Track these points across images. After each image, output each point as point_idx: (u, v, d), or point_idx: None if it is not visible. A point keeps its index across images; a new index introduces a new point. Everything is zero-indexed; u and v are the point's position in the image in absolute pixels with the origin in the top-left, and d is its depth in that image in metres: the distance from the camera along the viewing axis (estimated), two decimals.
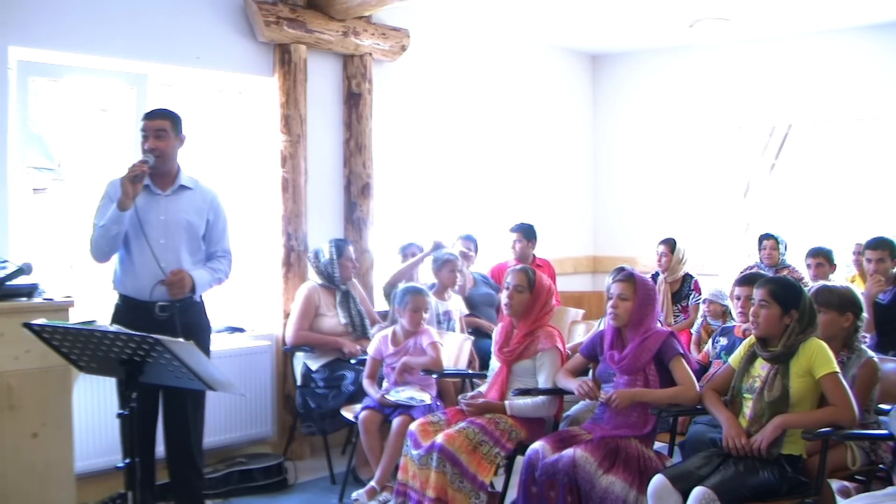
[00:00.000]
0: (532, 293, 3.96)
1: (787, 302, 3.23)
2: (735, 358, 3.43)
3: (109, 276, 3.87)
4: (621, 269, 3.72)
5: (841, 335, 3.52)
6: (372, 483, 4.23)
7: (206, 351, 3.92)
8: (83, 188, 4.73)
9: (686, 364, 3.57)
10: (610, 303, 3.66)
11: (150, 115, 3.81)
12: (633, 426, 3.51)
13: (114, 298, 3.87)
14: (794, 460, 3.15)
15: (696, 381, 3.54)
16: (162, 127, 3.75)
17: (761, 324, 3.25)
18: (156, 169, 3.71)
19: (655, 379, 3.54)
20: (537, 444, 3.49)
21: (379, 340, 4.61)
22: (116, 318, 3.76)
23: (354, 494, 4.25)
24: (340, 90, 5.65)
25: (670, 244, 6.12)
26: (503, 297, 4.03)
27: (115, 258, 3.78)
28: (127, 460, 2.89)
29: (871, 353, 3.55)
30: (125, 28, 4.61)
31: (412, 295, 4.55)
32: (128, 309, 3.75)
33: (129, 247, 3.73)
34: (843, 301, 3.53)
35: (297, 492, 4.73)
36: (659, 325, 3.76)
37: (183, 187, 3.85)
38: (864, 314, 3.61)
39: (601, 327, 4.29)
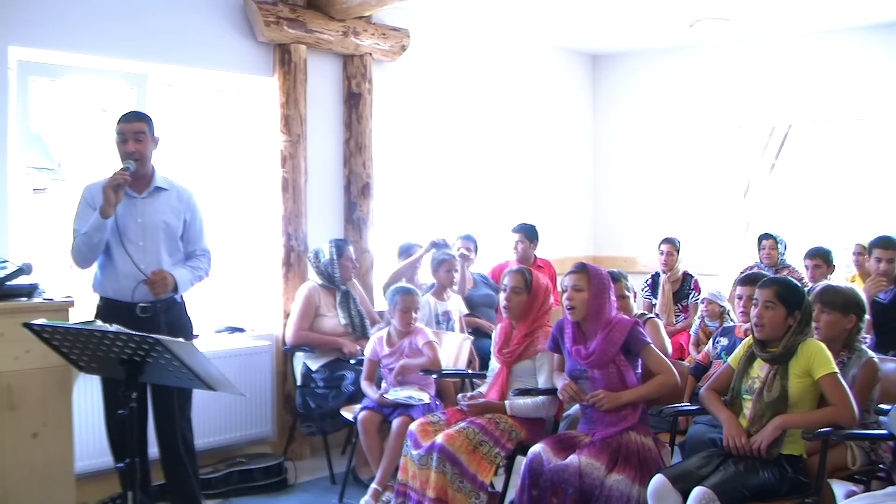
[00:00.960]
0: (529, 294, 3.95)
1: (792, 303, 3.22)
2: (734, 358, 3.43)
3: (89, 280, 3.88)
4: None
5: (842, 336, 3.52)
6: (374, 485, 4.22)
7: None
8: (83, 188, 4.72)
9: (657, 351, 3.58)
10: (565, 296, 3.65)
11: (129, 118, 3.78)
12: (624, 418, 3.50)
13: (95, 300, 3.87)
14: (794, 460, 3.15)
15: (672, 365, 3.57)
16: (141, 129, 3.74)
17: (766, 325, 3.24)
18: (134, 172, 3.70)
19: (627, 367, 3.55)
20: (538, 448, 3.47)
21: (374, 342, 4.61)
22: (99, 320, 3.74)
23: (362, 502, 4.21)
24: (340, 90, 5.65)
25: (675, 243, 6.13)
26: (501, 299, 4.02)
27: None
28: (127, 460, 2.88)
29: (871, 353, 3.54)
30: (125, 28, 4.61)
31: (401, 295, 4.56)
32: (110, 310, 3.74)
33: (108, 250, 3.73)
34: (847, 302, 3.53)
35: (297, 492, 4.73)
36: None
37: (159, 189, 3.84)
38: (867, 316, 3.61)
39: None
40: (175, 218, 3.86)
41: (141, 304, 3.71)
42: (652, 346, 3.59)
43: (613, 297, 3.69)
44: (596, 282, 3.62)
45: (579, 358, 3.62)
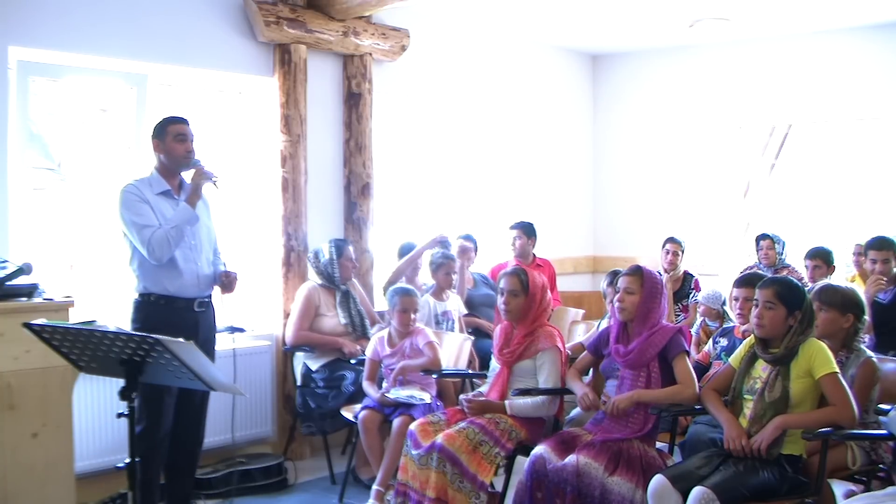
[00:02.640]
0: (527, 295, 3.94)
1: (792, 303, 3.22)
2: (735, 358, 3.43)
3: (129, 280, 3.96)
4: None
5: (840, 335, 3.52)
6: (376, 486, 4.22)
7: (214, 341, 4.19)
8: (83, 188, 4.72)
9: (689, 362, 3.56)
10: (616, 296, 3.67)
11: (184, 121, 3.99)
12: (634, 426, 3.50)
13: (132, 298, 3.94)
14: (794, 460, 3.15)
15: (696, 380, 3.53)
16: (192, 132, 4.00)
17: (766, 325, 3.23)
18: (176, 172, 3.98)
19: (657, 377, 3.53)
20: (540, 449, 3.47)
21: (376, 342, 4.62)
22: (149, 318, 3.82)
23: None
24: (340, 90, 5.65)
25: (679, 243, 6.13)
26: (499, 302, 4.02)
27: (137, 263, 3.88)
28: (127, 460, 2.89)
29: (869, 352, 3.54)
30: (125, 28, 4.61)
31: (400, 296, 4.57)
32: (167, 308, 3.87)
33: None
34: (846, 301, 3.53)
35: (297, 492, 4.73)
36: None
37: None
38: (866, 317, 3.60)
39: (601, 327, 4.30)
40: (207, 219, 4.12)
41: (199, 300, 3.96)
42: (687, 356, 3.56)
43: (665, 303, 3.69)
44: (649, 286, 3.62)
45: (617, 356, 3.62)
